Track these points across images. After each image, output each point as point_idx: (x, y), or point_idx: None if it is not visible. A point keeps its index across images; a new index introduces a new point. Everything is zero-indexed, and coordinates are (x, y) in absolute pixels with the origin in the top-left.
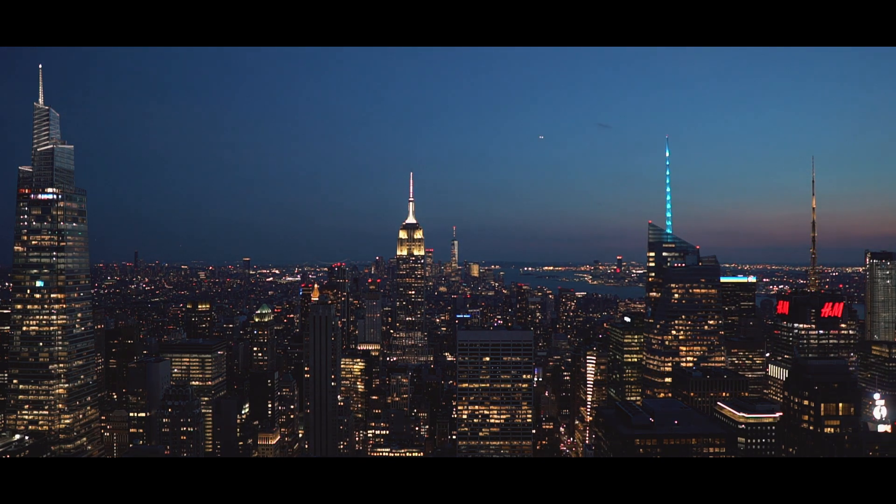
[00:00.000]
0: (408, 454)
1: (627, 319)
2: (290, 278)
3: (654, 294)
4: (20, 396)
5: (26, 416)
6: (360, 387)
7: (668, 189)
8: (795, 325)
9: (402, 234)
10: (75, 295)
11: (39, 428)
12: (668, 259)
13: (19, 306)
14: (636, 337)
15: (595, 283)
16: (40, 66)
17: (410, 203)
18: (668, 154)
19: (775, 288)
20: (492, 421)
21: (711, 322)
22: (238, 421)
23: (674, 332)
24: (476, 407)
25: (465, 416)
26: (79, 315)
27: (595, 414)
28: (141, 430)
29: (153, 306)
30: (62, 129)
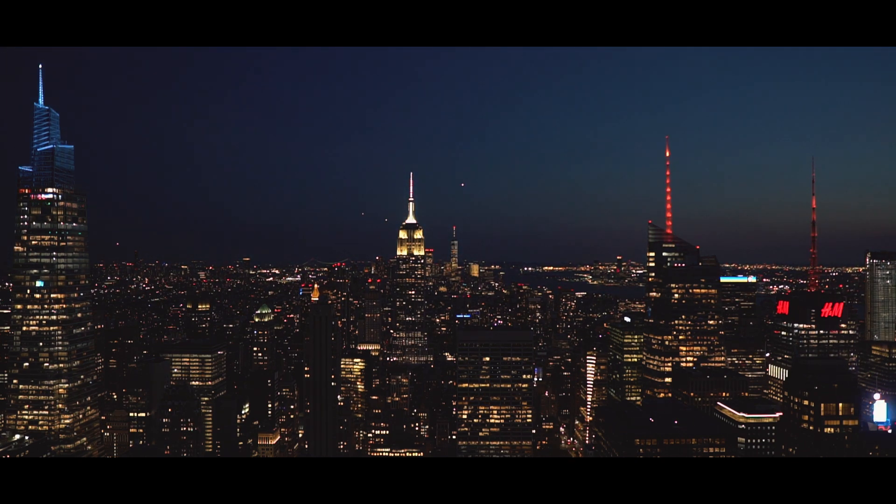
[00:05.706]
0: (408, 454)
1: (627, 319)
2: (290, 278)
3: (654, 294)
4: (20, 396)
5: (26, 416)
6: (360, 387)
7: (668, 189)
8: (795, 325)
9: (402, 234)
10: (75, 295)
11: (39, 428)
12: (668, 259)
13: (19, 306)
14: (636, 337)
15: (595, 283)
16: (40, 66)
17: (410, 203)
18: (668, 154)
19: (775, 288)
20: (492, 421)
21: (711, 322)
22: (238, 421)
23: (674, 332)
24: (476, 407)
25: (465, 416)
26: (79, 315)
27: (595, 414)
28: (141, 430)
29: (153, 306)
30: (62, 129)
